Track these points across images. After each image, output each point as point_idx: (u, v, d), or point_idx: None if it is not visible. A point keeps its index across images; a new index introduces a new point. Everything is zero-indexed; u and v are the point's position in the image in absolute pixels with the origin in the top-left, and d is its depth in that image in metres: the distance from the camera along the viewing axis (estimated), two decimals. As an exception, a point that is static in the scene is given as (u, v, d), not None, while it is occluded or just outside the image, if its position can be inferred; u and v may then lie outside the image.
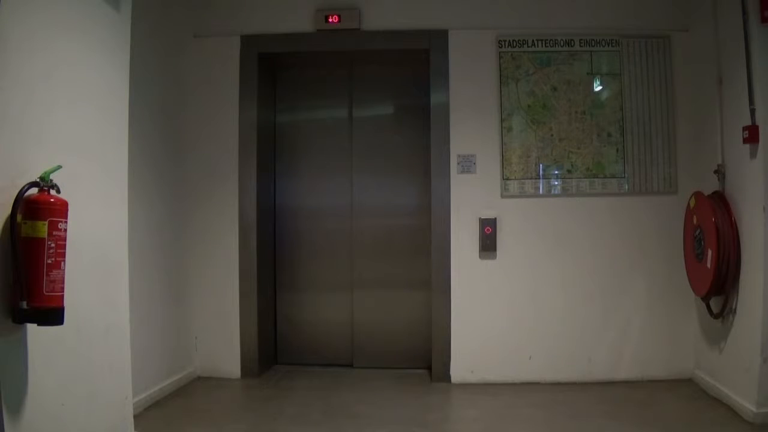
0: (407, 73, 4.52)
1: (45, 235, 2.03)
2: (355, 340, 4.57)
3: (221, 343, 4.23)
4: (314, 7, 4.22)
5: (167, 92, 3.96)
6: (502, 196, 4.12)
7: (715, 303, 3.64)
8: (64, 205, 2.12)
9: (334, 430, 3.31)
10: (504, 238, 4.10)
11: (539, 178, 4.12)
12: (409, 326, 4.49)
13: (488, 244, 4.09)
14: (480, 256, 4.12)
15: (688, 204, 3.82)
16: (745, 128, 3.30)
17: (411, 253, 4.49)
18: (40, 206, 2.05)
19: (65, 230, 2.10)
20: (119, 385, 2.76)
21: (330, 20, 4.19)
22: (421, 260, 4.37)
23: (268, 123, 4.53)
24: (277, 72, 4.65)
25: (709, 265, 3.50)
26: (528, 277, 4.10)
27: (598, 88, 4.14)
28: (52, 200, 2.09)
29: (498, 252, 4.11)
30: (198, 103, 4.25)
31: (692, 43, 4.04)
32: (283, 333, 4.62)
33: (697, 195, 3.72)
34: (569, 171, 4.11)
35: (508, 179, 4.12)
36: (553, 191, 4.13)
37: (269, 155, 4.54)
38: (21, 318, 2.02)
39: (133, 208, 2.96)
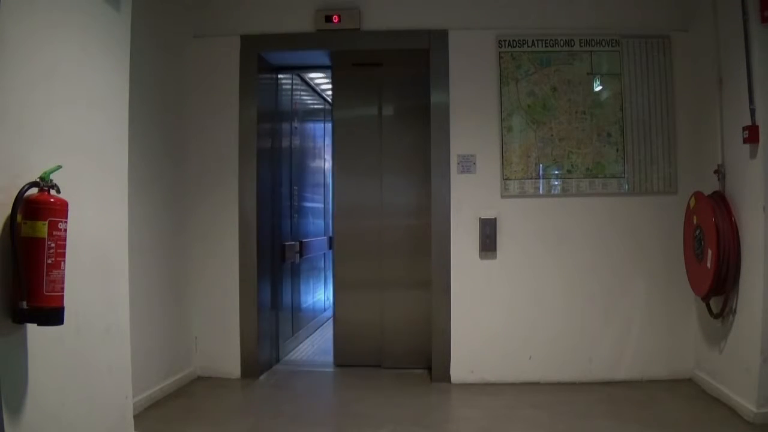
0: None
1: (45, 235, 2.02)
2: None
3: (221, 343, 4.23)
4: (314, 7, 4.22)
5: (167, 92, 3.96)
6: (502, 196, 4.12)
7: (715, 303, 3.64)
8: (64, 205, 2.12)
9: (334, 430, 3.32)
10: (504, 238, 4.10)
11: (539, 178, 4.12)
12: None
13: (488, 244, 4.09)
14: (480, 256, 4.11)
15: (688, 204, 3.82)
16: (745, 128, 3.30)
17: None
18: (40, 206, 2.05)
19: (65, 230, 2.10)
20: (119, 385, 2.76)
21: (330, 20, 4.18)
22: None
23: (268, 123, 4.53)
24: (277, 72, 4.66)
25: (709, 265, 3.50)
26: (528, 277, 4.10)
27: (598, 88, 4.14)
28: (52, 200, 2.09)
29: (498, 252, 4.11)
30: (198, 103, 4.24)
31: (692, 43, 4.04)
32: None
33: (697, 195, 3.71)
34: (569, 171, 4.11)
35: (508, 179, 4.12)
36: (553, 191, 4.13)
37: (269, 155, 4.54)
38: (21, 318, 2.02)
39: (133, 208, 2.96)
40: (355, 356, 4.56)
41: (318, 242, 6.06)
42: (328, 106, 6.74)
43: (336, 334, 4.65)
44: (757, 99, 3.24)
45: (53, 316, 2.08)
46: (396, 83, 4.59)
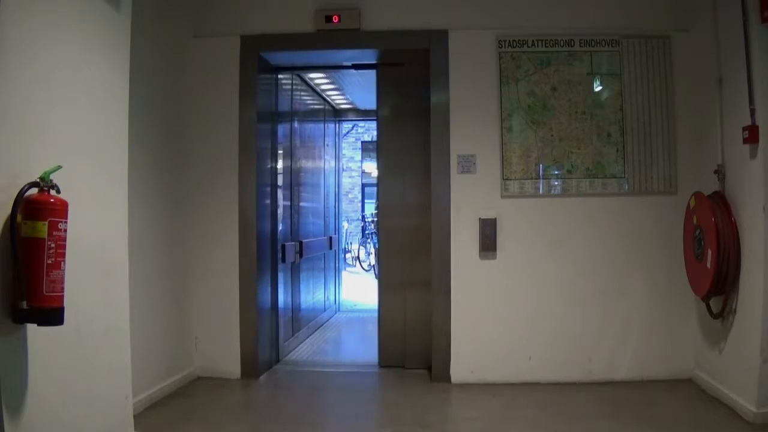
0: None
1: (45, 235, 2.03)
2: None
3: (221, 343, 4.23)
4: (314, 7, 4.21)
5: (167, 92, 3.96)
6: (502, 196, 4.12)
7: (715, 303, 3.64)
8: (64, 205, 2.12)
9: (334, 431, 3.32)
10: (504, 238, 4.10)
11: (539, 178, 4.12)
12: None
13: (488, 244, 4.09)
14: (480, 257, 4.11)
15: (688, 204, 3.82)
16: (745, 128, 3.30)
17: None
18: (40, 206, 2.05)
19: (65, 230, 2.10)
20: (119, 385, 2.76)
21: (330, 20, 4.18)
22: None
23: (268, 123, 4.53)
24: (277, 72, 4.66)
25: (709, 265, 3.50)
26: (528, 278, 4.10)
27: (598, 88, 4.14)
28: (52, 200, 2.09)
29: (498, 252, 4.10)
30: (198, 103, 4.24)
31: (692, 43, 4.04)
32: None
33: (697, 195, 3.71)
34: (569, 171, 4.11)
35: (508, 179, 4.12)
36: (553, 191, 4.13)
37: (269, 155, 4.54)
38: (21, 318, 2.02)
39: (132, 208, 2.96)
40: (397, 356, 4.49)
41: (318, 242, 6.07)
42: (328, 107, 6.76)
43: (381, 335, 4.57)
44: (757, 99, 3.24)
45: (53, 316, 2.08)
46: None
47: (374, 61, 4.59)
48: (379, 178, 4.66)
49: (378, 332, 4.60)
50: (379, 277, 4.65)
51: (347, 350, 5.57)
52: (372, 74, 4.71)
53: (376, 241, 12.42)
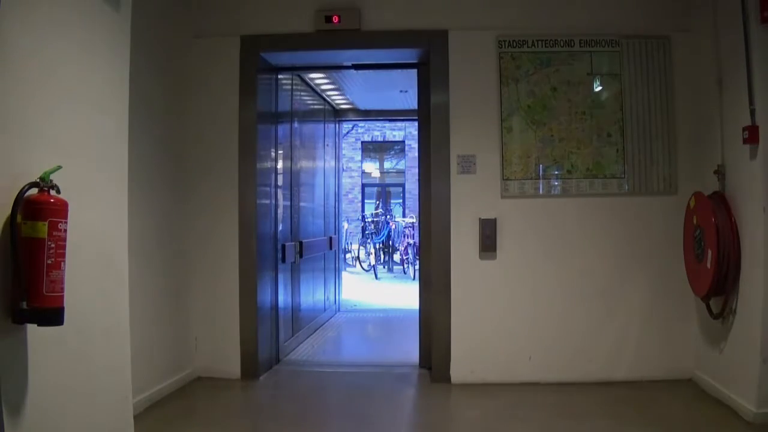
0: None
1: (45, 235, 2.02)
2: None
3: (221, 343, 4.23)
4: (314, 7, 4.22)
5: (167, 92, 3.96)
6: (502, 197, 4.12)
7: (715, 303, 3.64)
8: (64, 205, 2.11)
9: (334, 431, 3.31)
10: (504, 238, 4.10)
11: (539, 179, 4.12)
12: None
13: (488, 244, 4.09)
14: (480, 257, 4.11)
15: (688, 204, 3.82)
16: (745, 128, 3.30)
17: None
18: (40, 206, 2.04)
19: (65, 230, 2.10)
20: (119, 385, 2.76)
21: (330, 21, 4.18)
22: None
23: (268, 123, 4.53)
24: (278, 72, 4.66)
25: (709, 266, 3.50)
26: (528, 278, 4.10)
27: (598, 88, 4.14)
28: (52, 200, 2.09)
29: (498, 252, 4.11)
30: (198, 103, 4.24)
31: (692, 44, 4.04)
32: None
33: (697, 195, 3.72)
34: (569, 171, 4.11)
35: (508, 180, 4.12)
36: (553, 191, 4.13)
37: (269, 156, 4.54)
38: (21, 318, 2.02)
39: (132, 208, 2.96)
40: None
41: (318, 242, 6.07)
42: (328, 107, 6.75)
43: (422, 336, 4.50)
44: (757, 99, 3.24)
45: (53, 316, 2.08)
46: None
47: (416, 61, 4.54)
48: (420, 178, 4.62)
49: (419, 333, 4.53)
50: (421, 277, 4.62)
51: (348, 350, 5.57)
52: (372, 74, 4.72)
53: (375, 241, 12.48)
